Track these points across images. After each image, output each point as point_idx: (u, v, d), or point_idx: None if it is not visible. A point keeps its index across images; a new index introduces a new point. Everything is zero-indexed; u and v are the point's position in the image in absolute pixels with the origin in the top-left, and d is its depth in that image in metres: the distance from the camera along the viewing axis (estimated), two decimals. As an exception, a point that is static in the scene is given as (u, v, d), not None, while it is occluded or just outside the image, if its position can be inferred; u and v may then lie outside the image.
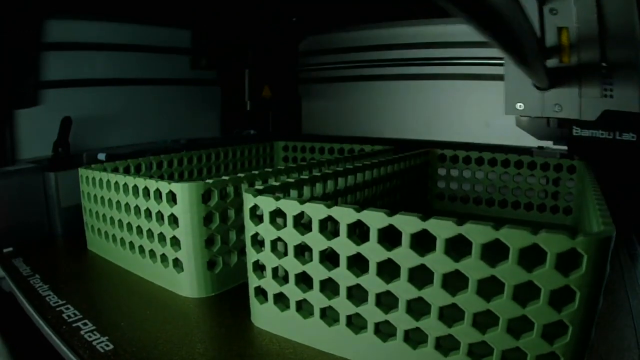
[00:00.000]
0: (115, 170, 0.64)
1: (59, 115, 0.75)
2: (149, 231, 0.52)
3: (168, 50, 1.00)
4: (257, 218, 0.40)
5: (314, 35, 1.18)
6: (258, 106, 1.12)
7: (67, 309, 0.46)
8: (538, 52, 0.51)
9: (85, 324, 0.43)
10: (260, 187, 0.42)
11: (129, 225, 0.55)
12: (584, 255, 0.28)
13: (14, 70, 0.75)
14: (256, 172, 0.53)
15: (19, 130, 0.78)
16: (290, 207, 0.37)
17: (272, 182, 0.45)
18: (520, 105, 0.69)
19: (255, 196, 0.39)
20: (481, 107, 0.99)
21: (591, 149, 0.67)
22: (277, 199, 0.37)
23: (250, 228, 0.40)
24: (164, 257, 0.51)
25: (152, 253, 0.53)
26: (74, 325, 0.42)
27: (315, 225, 0.36)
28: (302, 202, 0.36)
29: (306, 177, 0.49)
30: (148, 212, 0.51)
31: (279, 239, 0.39)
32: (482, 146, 0.86)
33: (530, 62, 0.49)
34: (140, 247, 0.54)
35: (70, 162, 0.72)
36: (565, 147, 0.76)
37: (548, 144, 0.81)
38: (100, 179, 0.58)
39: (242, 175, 0.51)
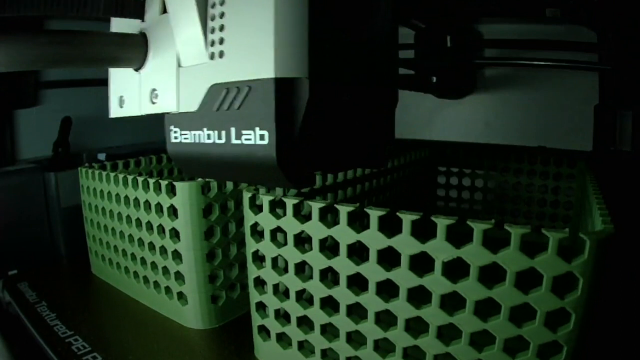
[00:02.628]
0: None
1: (59, 115, 0.75)
2: (153, 263, 0.52)
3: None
4: (259, 234, 0.40)
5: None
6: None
7: (76, 340, 0.46)
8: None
9: (94, 357, 0.43)
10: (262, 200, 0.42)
11: (133, 255, 0.55)
12: (580, 279, 0.28)
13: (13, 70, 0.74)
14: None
15: (19, 130, 0.78)
16: (291, 226, 0.37)
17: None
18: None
19: (256, 214, 0.39)
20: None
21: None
22: (278, 217, 0.38)
23: (251, 245, 0.40)
24: (168, 289, 0.51)
25: (156, 284, 0.53)
26: (83, 358, 0.43)
27: (315, 244, 0.36)
28: (302, 221, 0.36)
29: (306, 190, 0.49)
30: (152, 245, 0.52)
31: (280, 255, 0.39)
32: (481, 146, 0.86)
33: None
34: (145, 277, 0.54)
35: (70, 162, 0.72)
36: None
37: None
38: (103, 208, 0.58)
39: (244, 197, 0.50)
